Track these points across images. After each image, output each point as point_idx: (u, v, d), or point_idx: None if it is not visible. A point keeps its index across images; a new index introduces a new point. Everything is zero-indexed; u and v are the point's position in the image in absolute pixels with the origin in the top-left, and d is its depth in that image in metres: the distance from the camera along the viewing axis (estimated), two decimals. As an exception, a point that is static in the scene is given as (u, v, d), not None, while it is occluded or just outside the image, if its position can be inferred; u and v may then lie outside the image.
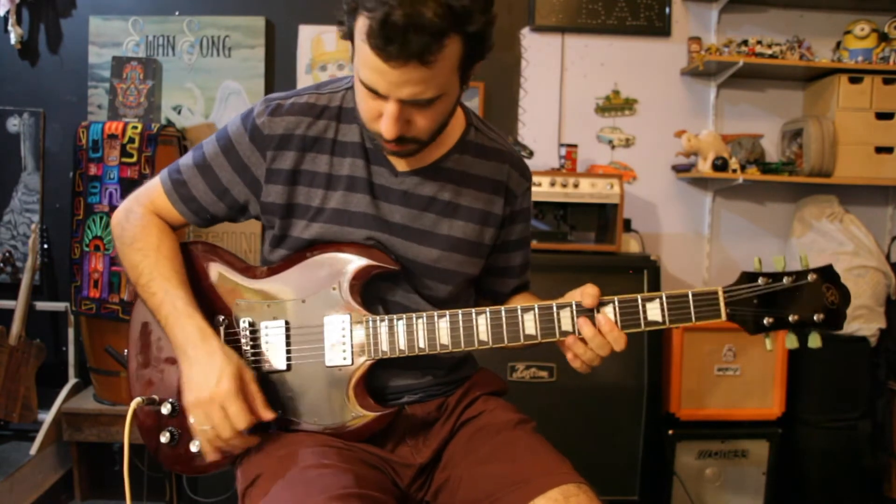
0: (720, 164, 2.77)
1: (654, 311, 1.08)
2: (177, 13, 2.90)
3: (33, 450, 2.47)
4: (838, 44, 2.91)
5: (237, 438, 1.07)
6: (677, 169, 3.01)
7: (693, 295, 1.07)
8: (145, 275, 1.16)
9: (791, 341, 1.07)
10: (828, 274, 1.07)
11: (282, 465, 1.07)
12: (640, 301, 1.08)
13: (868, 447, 2.67)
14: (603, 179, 2.59)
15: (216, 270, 1.21)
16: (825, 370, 2.63)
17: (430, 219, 1.18)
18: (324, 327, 1.13)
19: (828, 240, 2.81)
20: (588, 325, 1.08)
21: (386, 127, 1.02)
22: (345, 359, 1.12)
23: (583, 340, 1.09)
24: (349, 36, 1.02)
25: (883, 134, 2.81)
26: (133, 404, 1.19)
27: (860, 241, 2.79)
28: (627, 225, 2.80)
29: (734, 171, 2.79)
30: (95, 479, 2.72)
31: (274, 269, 1.19)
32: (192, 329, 1.10)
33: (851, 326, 2.68)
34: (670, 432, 2.53)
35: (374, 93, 1.00)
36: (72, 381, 2.71)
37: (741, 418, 2.58)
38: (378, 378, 1.18)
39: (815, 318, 1.05)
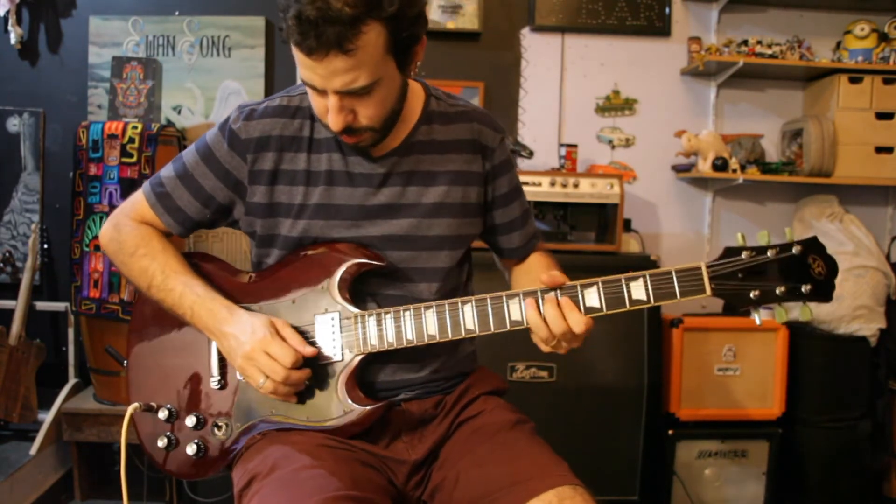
0: (720, 164, 2.77)
1: (638, 290, 1.07)
2: (177, 13, 2.90)
3: (33, 450, 2.46)
4: (838, 44, 2.91)
5: (293, 374, 1.09)
6: (677, 169, 3.01)
7: (676, 272, 1.06)
8: (158, 275, 1.18)
9: (780, 314, 1.06)
10: (813, 245, 1.05)
11: (275, 466, 1.07)
12: (623, 281, 1.07)
13: (868, 447, 2.67)
14: (603, 179, 2.59)
15: (210, 279, 1.22)
16: (825, 370, 2.63)
17: (414, 191, 1.20)
18: (314, 326, 1.15)
19: (828, 240, 2.81)
20: (553, 310, 1.07)
21: (331, 120, 1.06)
22: (335, 355, 1.14)
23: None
24: (287, 42, 1.04)
25: (883, 134, 2.81)
26: (130, 409, 1.21)
27: (860, 241, 2.79)
28: (627, 225, 2.80)
29: (734, 171, 2.79)
30: (95, 479, 2.72)
31: (264, 272, 1.22)
32: (218, 309, 1.14)
33: (851, 326, 2.68)
34: (670, 432, 2.53)
35: (314, 88, 1.04)
36: (72, 381, 2.71)
37: (741, 418, 2.58)
38: (375, 374, 1.19)
39: (803, 289, 1.04)
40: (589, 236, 2.72)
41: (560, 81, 3.00)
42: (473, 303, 1.11)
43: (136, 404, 1.21)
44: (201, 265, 1.25)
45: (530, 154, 2.67)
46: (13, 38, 2.85)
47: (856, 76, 2.79)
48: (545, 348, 1.11)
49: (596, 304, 1.08)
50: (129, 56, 2.84)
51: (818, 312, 2.74)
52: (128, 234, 1.22)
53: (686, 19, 3.00)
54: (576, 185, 2.57)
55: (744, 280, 1.05)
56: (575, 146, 2.85)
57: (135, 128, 2.49)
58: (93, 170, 2.48)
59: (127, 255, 1.22)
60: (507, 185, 1.31)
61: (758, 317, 1.07)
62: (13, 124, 2.91)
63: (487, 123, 1.28)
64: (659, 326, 2.53)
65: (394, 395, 1.21)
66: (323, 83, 1.02)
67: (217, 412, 1.19)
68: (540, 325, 1.07)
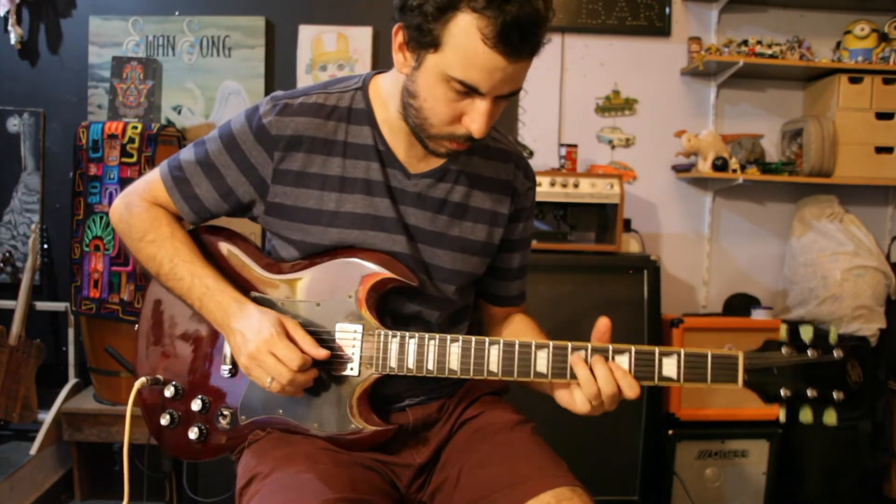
0: (720, 164, 2.77)
1: (669, 367, 1.04)
2: (177, 13, 2.90)
3: (33, 450, 2.46)
4: (838, 44, 2.91)
5: (299, 377, 1.06)
6: (677, 169, 3.01)
7: (713, 357, 1.04)
8: (166, 264, 1.15)
9: (805, 415, 1.04)
10: (856, 352, 1.03)
11: (277, 467, 1.07)
12: (657, 354, 1.04)
13: (868, 447, 2.67)
14: (603, 179, 2.59)
15: (237, 259, 1.19)
16: (825, 370, 2.62)
17: (444, 221, 1.18)
18: (335, 334, 1.12)
19: (828, 240, 2.81)
20: (601, 365, 1.04)
21: (478, 125, 1.02)
22: (352, 369, 1.11)
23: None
24: (428, 38, 0.98)
25: (883, 134, 2.81)
26: (137, 384, 1.19)
27: (860, 241, 2.79)
28: (627, 225, 2.80)
29: (734, 171, 2.79)
30: (95, 479, 2.72)
31: (293, 266, 1.17)
32: (228, 302, 1.11)
33: (851, 326, 2.68)
34: (670, 432, 2.53)
35: (472, 92, 1.00)
36: (72, 381, 2.71)
37: (741, 418, 2.58)
38: (381, 384, 1.16)
39: (834, 396, 1.02)
40: (589, 236, 2.72)
41: (560, 81, 3.00)
42: (501, 345, 1.08)
43: (143, 379, 1.19)
44: (231, 246, 1.21)
45: (530, 154, 2.67)
46: (13, 38, 2.85)
47: (856, 76, 2.78)
48: (582, 410, 1.06)
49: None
50: (129, 56, 2.84)
51: (818, 312, 2.74)
52: (137, 216, 1.18)
53: (686, 19, 3.00)
54: (576, 185, 2.56)
55: (778, 376, 1.03)
56: (575, 146, 2.85)
57: (135, 128, 2.49)
58: (93, 170, 2.48)
59: (135, 239, 1.18)
60: (521, 233, 1.29)
61: (783, 413, 1.05)
62: (13, 124, 2.91)
63: (523, 169, 1.26)
64: (659, 326, 2.53)
65: (398, 403, 1.20)
66: (495, 86, 0.99)
67: (224, 400, 1.18)
68: (590, 379, 1.04)
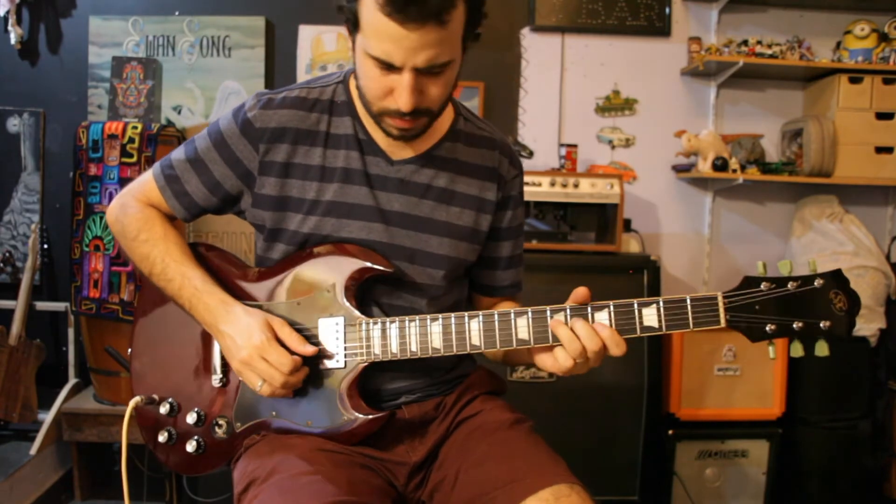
0: (720, 164, 2.77)
1: (650, 317, 1.03)
2: (177, 13, 2.90)
3: (33, 450, 2.46)
4: (838, 44, 2.91)
5: (291, 377, 1.09)
6: (677, 169, 3.01)
7: (691, 300, 1.01)
8: (158, 263, 1.18)
9: (796, 349, 1.02)
10: (836, 279, 1.00)
11: (274, 471, 1.07)
12: (636, 306, 1.03)
13: (868, 447, 2.67)
14: (603, 179, 2.59)
15: (215, 272, 1.21)
16: (825, 370, 2.63)
17: (428, 206, 1.19)
18: (318, 329, 1.14)
19: (828, 240, 2.81)
20: (582, 322, 1.04)
21: (403, 99, 1.03)
22: (337, 361, 1.13)
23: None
24: (350, 19, 1.03)
25: (883, 134, 2.81)
26: (132, 403, 1.20)
27: (860, 241, 2.79)
28: (627, 225, 2.80)
29: (734, 171, 2.79)
30: (95, 479, 2.72)
31: (270, 270, 1.20)
32: (215, 304, 1.13)
33: (851, 326, 2.68)
34: (670, 432, 2.53)
35: (388, 66, 1.01)
36: (72, 381, 2.71)
37: (741, 418, 2.58)
38: (375, 380, 1.18)
39: (821, 325, 0.99)
40: (589, 236, 2.72)
41: (560, 81, 3.00)
42: (480, 318, 1.09)
43: (138, 398, 1.21)
44: (207, 257, 1.23)
45: (530, 154, 2.67)
46: (13, 38, 2.85)
47: (856, 76, 2.78)
48: (566, 366, 1.05)
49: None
50: (129, 56, 2.84)
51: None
52: (132, 216, 1.21)
53: (686, 19, 3.00)
54: (576, 185, 2.56)
55: (761, 312, 1.00)
56: (575, 146, 2.85)
57: (135, 128, 2.49)
58: (93, 170, 2.48)
59: (129, 238, 1.21)
60: (510, 221, 1.29)
61: (772, 350, 1.03)
62: (13, 124, 2.91)
63: (508, 156, 1.28)
64: (659, 326, 2.53)
65: (394, 400, 1.20)
66: (406, 57, 0.99)
67: (218, 410, 1.19)
68: (572, 338, 1.03)
